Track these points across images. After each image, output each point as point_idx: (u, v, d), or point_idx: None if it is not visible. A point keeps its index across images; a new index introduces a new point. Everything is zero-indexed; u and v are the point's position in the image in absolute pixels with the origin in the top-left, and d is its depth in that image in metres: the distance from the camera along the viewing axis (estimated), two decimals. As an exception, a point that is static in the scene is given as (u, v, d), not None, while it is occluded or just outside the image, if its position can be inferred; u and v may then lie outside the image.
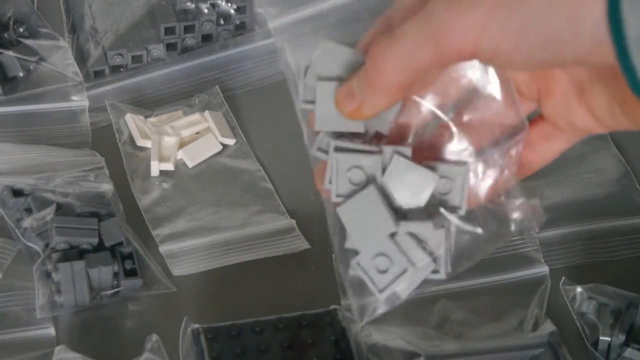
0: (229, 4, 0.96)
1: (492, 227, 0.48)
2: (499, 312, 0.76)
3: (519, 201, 0.48)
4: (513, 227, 0.48)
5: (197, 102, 0.92)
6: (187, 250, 0.80)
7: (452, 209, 0.47)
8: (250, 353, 0.70)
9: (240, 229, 0.81)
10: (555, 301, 0.77)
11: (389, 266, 0.47)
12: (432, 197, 0.47)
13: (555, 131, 0.48)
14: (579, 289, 0.76)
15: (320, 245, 0.80)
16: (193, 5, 0.96)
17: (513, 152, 0.47)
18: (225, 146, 0.88)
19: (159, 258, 0.79)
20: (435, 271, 0.47)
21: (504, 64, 0.41)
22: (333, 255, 0.78)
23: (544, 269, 0.79)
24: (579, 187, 0.86)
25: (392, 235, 0.46)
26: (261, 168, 0.86)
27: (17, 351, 0.71)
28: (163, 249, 0.79)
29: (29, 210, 0.78)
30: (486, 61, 0.41)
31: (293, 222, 0.82)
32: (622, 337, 0.72)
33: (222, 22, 0.96)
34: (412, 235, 0.46)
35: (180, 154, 0.86)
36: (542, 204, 0.85)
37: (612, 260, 0.81)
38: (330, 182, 0.47)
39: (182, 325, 0.71)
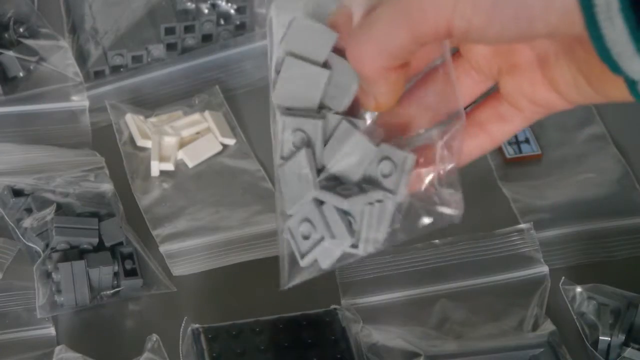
0: (229, 4, 0.96)
1: (416, 214, 0.48)
2: (499, 312, 0.76)
3: (447, 192, 0.48)
4: (435, 218, 0.48)
5: (197, 102, 0.92)
6: (187, 250, 0.80)
7: (389, 192, 0.47)
8: (250, 353, 0.70)
9: (240, 229, 0.81)
10: (555, 301, 0.77)
11: (311, 232, 0.47)
12: (370, 175, 0.47)
13: (511, 111, 0.47)
14: (578, 289, 0.76)
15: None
16: (193, 5, 0.96)
17: (454, 143, 0.47)
18: (225, 146, 0.88)
19: (159, 258, 0.79)
20: (354, 246, 0.47)
21: (477, 39, 0.42)
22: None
23: (544, 269, 0.79)
24: (579, 187, 0.86)
25: (320, 203, 0.47)
26: (261, 168, 0.86)
27: (17, 351, 0.72)
28: (163, 249, 0.79)
29: (29, 210, 0.78)
30: (460, 38, 0.42)
31: (293, 222, 0.82)
32: (621, 337, 0.72)
33: (222, 22, 0.96)
34: (340, 210, 0.47)
35: (181, 154, 0.86)
36: (542, 204, 0.85)
37: (612, 260, 0.81)
38: (277, 144, 0.48)
39: (182, 325, 0.71)
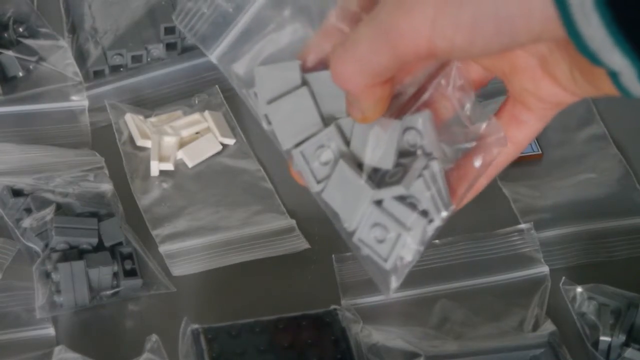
0: (229, 4, 0.96)
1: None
2: (499, 312, 0.76)
3: (483, 125, 0.48)
4: (486, 152, 0.48)
5: (197, 102, 0.91)
6: (187, 250, 0.80)
7: (427, 155, 0.46)
8: (250, 353, 0.70)
9: (240, 229, 0.81)
10: (556, 301, 0.77)
11: (384, 235, 0.47)
12: (403, 150, 0.46)
13: (526, 112, 0.48)
14: (579, 289, 0.76)
15: (320, 245, 0.80)
16: (193, 5, 0.95)
17: (460, 82, 0.47)
18: (225, 146, 0.88)
19: (159, 258, 0.78)
20: (431, 220, 0.47)
21: (462, 56, 0.42)
22: (333, 256, 0.78)
23: (544, 269, 0.79)
24: (579, 187, 0.86)
25: (379, 203, 0.46)
26: (261, 168, 0.86)
27: (16, 351, 0.71)
28: (163, 249, 0.79)
29: (28, 210, 0.78)
30: (444, 57, 0.42)
31: (293, 222, 0.82)
32: (622, 337, 0.72)
33: (222, 22, 0.96)
34: (399, 198, 0.46)
35: (180, 154, 0.86)
36: (543, 204, 0.85)
37: (612, 260, 0.81)
38: (306, 178, 0.47)
39: (182, 325, 0.71)
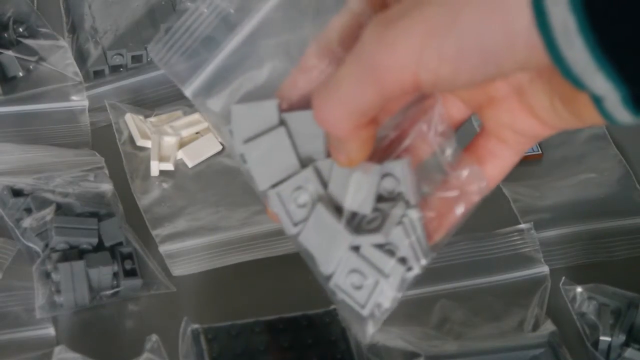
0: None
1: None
2: (499, 312, 0.76)
3: (465, 172, 0.47)
4: (465, 202, 0.48)
5: (197, 102, 0.91)
6: (187, 250, 0.80)
7: (405, 203, 0.46)
8: (250, 353, 0.70)
9: (240, 229, 0.81)
10: (556, 301, 0.77)
11: (362, 281, 0.47)
12: (381, 197, 0.46)
13: (499, 145, 0.47)
14: (579, 289, 0.76)
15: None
16: (193, 5, 0.95)
17: (441, 127, 0.46)
18: (225, 146, 0.88)
19: (159, 258, 0.78)
20: (409, 268, 0.47)
21: (447, 88, 0.41)
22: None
23: (544, 269, 0.79)
24: (579, 187, 0.86)
25: (356, 248, 0.46)
26: (261, 168, 0.86)
27: (16, 351, 0.71)
28: (163, 249, 0.79)
29: (28, 210, 0.78)
30: (429, 89, 0.41)
31: (293, 222, 0.82)
32: (622, 337, 0.72)
33: (222, 22, 0.96)
34: (377, 245, 0.46)
35: (180, 154, 0.86)
36: (543, 204, 0.85)
37: (612, 260, 0.81)
38: (282, 220, 0.47)
39: (182, 325, 0.71)
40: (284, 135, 0.46)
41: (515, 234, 0.81)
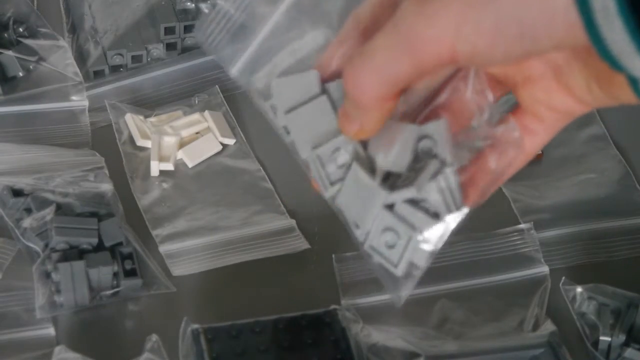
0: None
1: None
2: (499, 312, 0.76)
3: (500, 128, 0.47)
4: (503, 152, 0.48)
5: (197, 102, 0.91)
6: (187, 250, 0.80)
7: (441, 163, 0.46)
8: (250, 353, 0.70)
9: (240, 229, 0.81)
10: (556, 301, 0.77)
11: (395, 240, 0.46)
12: (418, 156, 0.46)
13: (535, 122, 0.47)
14: (579, 289, 0.76)
15: (320, 245, 0.80)
16: (193, 5, 0.96)
17: (479, 86, 0.46)
18: (225, 146, 0.88)
19: (159, 258, 0.79)
20: (443, 222, 0.46)
21: (484, 62, 0.41)
22: (333, 256, 0.78)
23: (544, 269, 0.79)
24: (579, 187, 0.86)
25: (390, 207, 0.46)
26: (261, 168, 0.86)
27: (16, 351, 0.71)
28: (163, 249, 0.79)
29: (28, 210, 0.78)
30: (465, 62, 0.41)
31: (293, 222, 0.82)
32: (622, 337, 0.72)
33: (222, 22, 0.96)
34: (411, 201, 0.46)
35: (180, 154, 0.86)
36: (543, 204, 0.85)
37: (612, 260, 0.81)
38: (320, 182, 0.47)
39: (182, 325, 0.71)
40: (326, 103, 0.46)
41: (515, 234, 0.81)
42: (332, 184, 0.47)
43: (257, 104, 0.48)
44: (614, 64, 0.38)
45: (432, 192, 0.45)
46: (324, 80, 0.47)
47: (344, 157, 0.47)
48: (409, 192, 0.45)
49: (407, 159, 0.46)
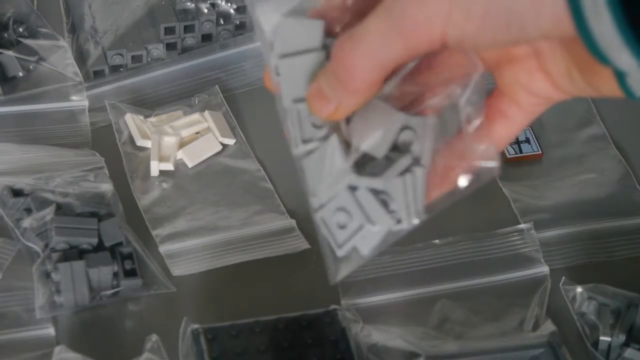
0: (229, 4, 0.96)
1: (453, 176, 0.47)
2: (499, 312, 0.76)
3: (482, 147, 0.47)
4: (474, 174, 0.47)
5: (197, 102, 0.91)
6: (187, 250, 0.80)
7: (415, 160, 0.46)
8: (250, 353, 0.70)
9: (240, 229, 0.81)
10: (556, 301, 0.77)
11: (347, 222, 0.46)
12: (395, 147, 0.46)
13: (512, 107, 0.47)
14: (579, 289, 0.76)
15: (320, 245, 0.80)
16: (193, 5, 0.96)
17: (475, 97, 0.46)
18: (225, 146, 0.88)
19: (159, 258, 0.78)
20: (398, 221, 0.46)
21: (472, 46, 0.42)
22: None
23: (544, 269, 0.79)
24: (579, 187, 0.86)
25: (353, 189, 0.46)
26: (261, 168, 0.86)
27: (16, 351, 0.71)
28: (163, 249, 0.79)
29: (28, 210, 0.78)
30: (454, 46, 0.42)
31: (293, 222, 0.82)
32: (622, 337, 0.72)
33: (222, 22, 0.96)
34: (373, 190, 0.46)
35: (180, 154, 0.86)
36: (543, 204, 0.85)
37: (612, 260, 0.81)
38: (292, 136, 0.47)
39: (182, 325, 0.71)
40: (323, 60, 0.46)
41: (515, 234, 0.81)
42: (304, 142, 0.47)
43: (257, 30, 0.48)
44: (601, 58, 0.38)
45: (397, 188, 0.45)
46: (328, 31, 0.46)
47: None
48: (376, 183, 0.45)
49: (386, 146, 0.46)
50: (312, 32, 0.46)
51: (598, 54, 0.38)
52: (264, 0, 0.47)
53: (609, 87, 0.41)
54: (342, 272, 0.48)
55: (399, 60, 0.43)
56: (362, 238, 0.46)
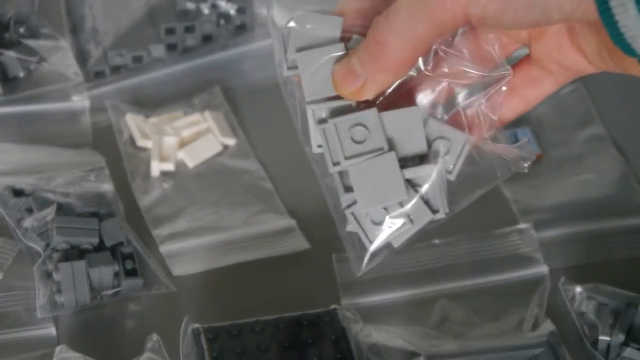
0: (229, 5, 0.96)
1: (481, 168, 0.49)
2: (498, 312, 0.76)
3: (503, 144, 0.48)
4: (500, 169, 0.49)
5: (197, 102, 0.92)
6: (187, 250, 0.80)
7: (447, 171, 0.47)
8: (250, 353, 0.70)
9: (241, 229, 0.81)
10: (555, 301, 0.77)
11: (382, 219, 0.47)
12: (430, 149, 0.47)
13: (542, 74, 0.48)
14: (578, 289, 0.76)
15: (320, 245, 0.80)
16: (193, 5, 0.96)
17: (495, 98, 0.47)
18: (225, 146, 0.88)
19: (159, 258, 0.79)
20: (435, 211, 0.47)
21: (493, 25, 0.43)
22: (333, 256, 0.78)
23: (544, 269, 0.79)
24: (579, 187, 0.86)
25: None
26: (261, 168, 0.86)
27: (17, 351, 0.72)
28: (163, 249, 0.79)
29: (29, 210, 0.78)
30: (477, 24, 0.43)
31: (293, 222, 0.82)
32: (621, 337, 0.72)
33: (222, 22, 0.97)
34: (408, 182, 0.47)
35: (181, 154, 0.86)
36: (542, 204, 0.85)
37: (612, 260, 0.81)
38: (327, 146, 0.47)
39: (183, 325, 0.71)
40: (343, 53, 0.47)
41: (515, 234, 0.81)
42: (346, 158, 0.47)
43: (270, 24, 0.48)
44: (626, 49, 0.38)
45: (434, 180, 0.47)
46: (345, 31, 0.47)
47: (363, 134, 0.47)
48: (415, 172, 0.47)
49: (419, 150, 0.47)
50: (331, 26, 0.47)
51: (623, 45, 0.38)
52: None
53: (635, 70, 0.42)
54: (370, 265, 0.49)
55: (427, 38, 0.44)
56: (398, 233, 0.47)
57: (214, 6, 0.96)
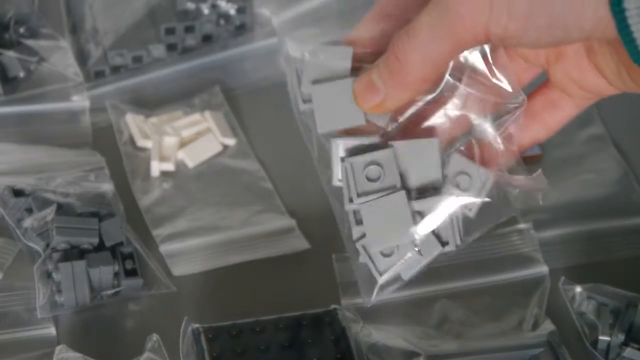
0: (230, 5, 0.96)
1: (496, 200, 0.49)
2: (498, 312, 0.76)
3: (520, 175, 0.49)
4: (515, 201, 0.49)
5: (197, 102, 0.92)
6: (187, 250, 0.80)
7: (466, 208, 0.47)
8: (250, 353, 0.70)
9: (241, 229, 0.81)
10: (555, 301, 0.77)
11: (392, 251, 0.47)
12: (446, 181, 0.48)
13: (562, 98, 0.48)
14: (578, 289, 0.76)
15: (320, 245, 0.80)
16: (193, 5, 0.96)
17: (511, 128, 0.48)
18: (225, 146, 0.88)
19: (159, 258, 0.79)
20: (445, 243, 0.48)
21: (514, 44, 0.43)
22: (333, 256, 0.78)
23: (544, 269, 0.79)
24: (579, 187, 0.86)
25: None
26: (261, 168, 0.86)
27: (17, 351, 0.72)
28: (163, 249, 0.79)
29: (29, 210, 0.78)
30: (497, 43, 0.43)
31: (293, 222, 0.82)
32: (621, 337, 0.72)
33: (222, 22, 0.97)
34: (418, 213, 0.47)
35: (181, 154, 0.86)
36: (542, 203, 0.85)
37: (612, 260, 0.81)
38: (345, 184, 0.48)
39: (183, 325, 0.71)
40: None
41: (515, 233, 0.81)
42: (358, 195, 0.47)
43: (283, 61, 0.48)
44: None
45: (446, 213, 0.48)
46: (356, 57, 0.47)
47: (376, 172, 0.48)
48: (427, 204, 0.48)
49: (434, 182, 0.48)
50: (342, 58, 0.47)
51: None
52: (293, 32, 0.48)
53: None
54: (379, 296, 0.49)
55: (447, 57, 0.44)
56: (407, 265, 0.47)
57: (214, 6, 0.96)
